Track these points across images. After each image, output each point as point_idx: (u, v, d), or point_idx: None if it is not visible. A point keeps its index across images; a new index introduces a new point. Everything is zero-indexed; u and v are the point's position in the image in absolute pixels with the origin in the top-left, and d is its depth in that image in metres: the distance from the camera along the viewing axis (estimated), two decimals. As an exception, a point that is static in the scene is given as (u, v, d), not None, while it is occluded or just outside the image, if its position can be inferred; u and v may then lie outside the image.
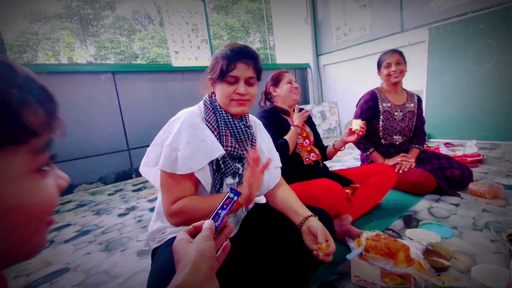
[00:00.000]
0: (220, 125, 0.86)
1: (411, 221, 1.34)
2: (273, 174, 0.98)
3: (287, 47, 5.08)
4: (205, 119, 0.87)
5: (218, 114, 0.88)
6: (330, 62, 4.57)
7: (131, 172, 2.91)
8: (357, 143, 1.81)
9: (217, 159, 0.83)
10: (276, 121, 1.43)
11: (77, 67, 2.68)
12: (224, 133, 0.86)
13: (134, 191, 2.48)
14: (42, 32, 10.23)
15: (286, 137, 1.37)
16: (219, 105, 0.88)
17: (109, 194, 2.45)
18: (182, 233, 0.51)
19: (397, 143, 1.84)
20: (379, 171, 1.46)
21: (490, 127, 2.84)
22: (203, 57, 3.33)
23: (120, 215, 1.89)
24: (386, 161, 1.76)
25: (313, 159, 1.45)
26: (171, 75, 3.10)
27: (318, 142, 1.58)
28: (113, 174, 2.81)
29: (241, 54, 0.84)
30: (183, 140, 0.78)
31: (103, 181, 2.76)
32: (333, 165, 2.51)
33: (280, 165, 1.03)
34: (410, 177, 1.62)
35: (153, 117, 2.96)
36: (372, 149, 1.80)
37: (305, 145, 1.47)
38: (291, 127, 1.42)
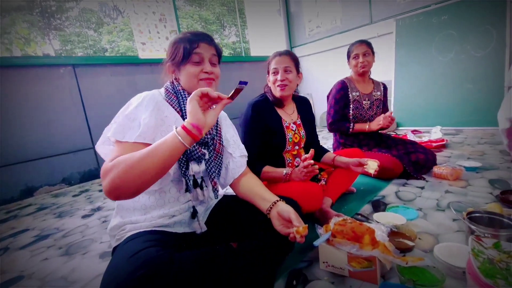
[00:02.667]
0: (183, 108, 0.85)
1: (379, 205, 1.37)
2: (238, 162, 0.97)
3: (262, 40, 5.03)
4: (167, 102, 0.85)
5: (181, 98, 0.86)
6: (304, 54, 4.59)
7: (97, 171, 2.75)
8: (335, 130, 1.89)
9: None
10: (263, 115, 1.28)
11: (33, 60, 2.45)
12: (185, 116, 0.82)
13: (101, 191, 2.35)
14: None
15: (267, 169, 1.23)
16: (183, 89, 0.87)
17: (74, 196, 2.29)
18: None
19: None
20: (350, 154, 1.46)
21: (454, 114, 2.99)
22: (172, 49, 3.19)
23: (84, 216, 1.77)
24: (367, 126, 1.79)
25: (296, 164, 1.38)
26: (139, 67, 2.94)
27: (310, 142, 1.46)
28: (78, 174, 2.64)
29: (201, 36, 0.85)
30: (147, 113, 0.77)
31: (67, 182, 2.58)
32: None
33: (246, 154, 1.02)
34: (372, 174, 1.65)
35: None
36: (352, 124, 1.82)
37: (293, 149, 1.38)
38: (283, 173, 1.21)
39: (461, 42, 2.89)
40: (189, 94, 0.85)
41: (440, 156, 2.03)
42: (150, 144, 0.69)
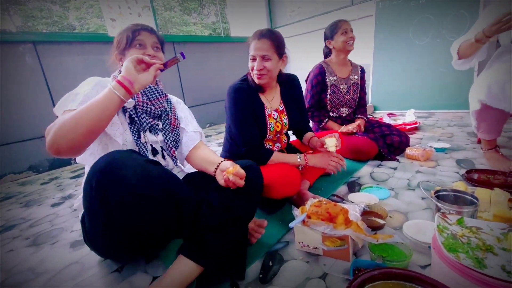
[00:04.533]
0: None
1: (354, 186, 1.40)
2: (191, 136, 1.05)
3: (242, 19, 4.86)
4: None
5: None
6: (285, 36, 4.48)
7: (69, 158, 2.61)
8: (311, 117, 1.85)
9: (128, 112, 0.89)
10: (248, 100, 1.22)
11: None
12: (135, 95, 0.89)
13: (72, 178, 2.23)
14: None
15: (277, 157, 1.21)
16: None
17: (42, 184, 2.16)
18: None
19: (344, 115, 1.91)
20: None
21: (427, 97, 3.09)
22: (145, 27, 2.99)
23: (54, 205, 1.68)
24: (340, 129, 1.80)
25: (277, 149, 1.35)
26: (109, 46, 2.73)
27: (295, 126, 1.40)
28: (47, 161, 2.48)
29: (143, 26, 0.94)
30: (89, 86, 0.84)
31: (34, 169, 2.42)
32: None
33: (200, 130, 1.09)
34: (355, 145, 1.69)
35: (91, 95, 2.63)
36: (326, 119, 1.84)
37: (274, 137, 1.35)
38: (297, 160, 1.21)
39: (437, 26, 2.94)
40: None
41: (412, 138, 2.10)
42: None
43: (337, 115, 1.89)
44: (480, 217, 0.94)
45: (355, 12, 3.54)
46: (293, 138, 1.57)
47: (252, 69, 1.20)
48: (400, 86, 3.27)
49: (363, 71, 1.94)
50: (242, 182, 0.78)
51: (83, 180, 0.82)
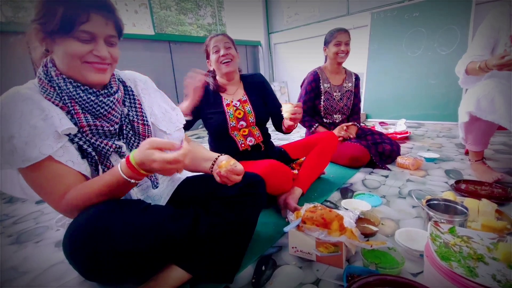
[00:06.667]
0: (65, 101, 0.66)
1: (347, 193, 1.42)
2: (175, 138, 0.87)
3: (239, 23, 4.88)
4: (45, 98, 0.66)
5: (57, 87, 0.66)
6: (281, 41, 4.54)
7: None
8: (302, 121, 1.84)
9: (76, 143, 0.67)
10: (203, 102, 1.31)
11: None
12: (73, 110, 0.66)
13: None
14: None
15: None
16: (58, 75, 0.66)
17: (27, 179, 2.09)
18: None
19: (337, 121, 1.93)
20: (322, 137, 1.47)
21: (417, 108, 3.17)
22: (142, 24, 2.97)
23: (39, 202, 1.62)
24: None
25: (250, 144, 1.35)
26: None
27: (264, 118, 1.41)
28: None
29: (95, 2, 0.62)
30: (14, 124, 0.59)
31: (19, 164, 2.34)
32: (280, 143, 2.53)
33: (182, 125, 0.92)
34: (348, 152, 1.71)
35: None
36: (316, 125, 1.85)
37: (239, 127, 1.34)
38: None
39: (429, 39, 3.04)
40: (69, 78, 0.67)
41: (403, 147, 2.15)
42: (49, 159, 0.62)
43: (330, 121, 1.92)
44: (469, 227, 0.96)
45: (351, 22, 3.61)
46: (283, 142, 1.57)
47: (218, 60, 1.30)
48: (391, 95, 3.35)
49: (357, 78, 1.97)
50: (238, 178, 0.73)
51: None
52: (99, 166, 0.70)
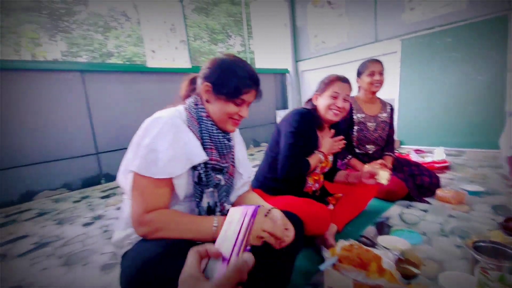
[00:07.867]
0: (204, 136, 0.83)
1: (383, 228, 1.36)
2: (246, 182, 0.99)
3: (267, 51, 5.10)
4: (188, 127, 0.81)
5: (203, 126, 0.83)
6: (308, 68, 4.65)
7: (99, 178, 2.74)
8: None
9: (198, 171, 0.79)
10: (307, 128, 1.27)
11: (42, 65, 2.48)
12: (208, 146, 0.83)
13: (102, 197, 2.33)
14: (6, 26, 9.48)
15: (310, 160, 1.24)
16: (207, 116, 0.84)
17: (74, 201, 2.28)
18: (193, 266, 0.38)
19: (371, 152, 1.88)
20: (364, 184, 1.41)
21: (456, 134, 3.00)
22: (180, 59, 3.24)
23: (85, 224, 1.76)
24: (365, 167, 1.77)
25: (314, 189, 1.37)
26: (146, 76, 2.96)
27: (334, 169, 1.43)
28: (80, 179, 2.63)
29: (256, 82, 0.85)
30: (165, 142, 0.73)
31: (68, 187, 2.57)
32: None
33: (252, 175, 1.03)
34: (385, 185, 1.65)
35: (126, 120, 2.82)
36: (350, 156, 1.81)
37: (317, 172, 1.35)
38: (317, 152, 1.25)
39: (464, 64, 2.94)
40: (213, 124, 0.84)
41: (443, 178, 2.03)
42: (170, 179, 0.73)
43: (363, 152, 1.88)
44: (525, 275, 0.88)
45: (380, 49, 3.62)
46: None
47: (330, 106, 1.26)
48: (426, 121, 3.22)
49: (392, 109, 1.94)
50: (283, 244, 0.74)
51: (122, 204, 0.86)
52: (204, 193, 0.82)
